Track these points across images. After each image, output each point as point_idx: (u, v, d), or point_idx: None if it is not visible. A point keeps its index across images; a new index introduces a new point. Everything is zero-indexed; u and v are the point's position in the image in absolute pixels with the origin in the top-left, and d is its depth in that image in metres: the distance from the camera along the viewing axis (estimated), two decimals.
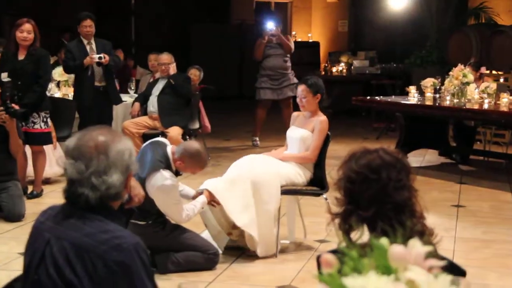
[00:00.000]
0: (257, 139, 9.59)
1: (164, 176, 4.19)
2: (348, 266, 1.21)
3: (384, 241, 1.24)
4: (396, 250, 1.23)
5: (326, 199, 4.88)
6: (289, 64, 9.40)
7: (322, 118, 4.97)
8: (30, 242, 2.07)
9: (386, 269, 1.22)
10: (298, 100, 5.01)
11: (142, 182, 4.16)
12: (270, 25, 9.36)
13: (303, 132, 4.99)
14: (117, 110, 7.73)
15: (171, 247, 4.41)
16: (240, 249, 4.84)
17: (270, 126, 10.13)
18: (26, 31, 6.15)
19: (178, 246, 4.41)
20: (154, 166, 4.22)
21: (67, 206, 2.05)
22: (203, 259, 4.43)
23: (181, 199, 4.37)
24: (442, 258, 1.63)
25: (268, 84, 9.27)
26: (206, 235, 4.80)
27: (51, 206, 2.12)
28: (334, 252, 1.51)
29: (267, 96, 9.36)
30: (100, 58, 6.93)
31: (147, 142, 4.54)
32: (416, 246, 1.26)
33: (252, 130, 9.74)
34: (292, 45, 9.41)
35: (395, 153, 2.00)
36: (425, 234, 1.62)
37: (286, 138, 5.16)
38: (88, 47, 7.11)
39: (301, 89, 4.99)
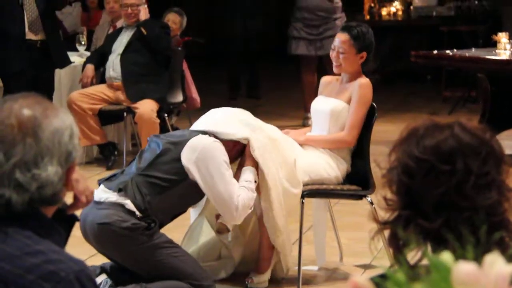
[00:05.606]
0: (310, 115, 9.50)
1: (207, 137, 4.60)
2: None
3: (446, 256, 1.22)
4: (465, 269, 1.23)
5: (371, 203, 4.91)
6: (336, 4, 9.31)
7: (363, 80, 5.02)
8: None
9: None
10: (333, 55, 5.07)
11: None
12: None
13: (336, 103, 5.04)
14: (61, 76, 7.75)
15: (148, 265, 4.44)
16: (241, 281, 4.89)
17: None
18: None
19: (157, 267, 4.44)
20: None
21: None
22: None
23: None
24: None
25: (303, 33, 9.24)
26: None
27: None
28: (381, 277, 1.50)
29: (301, 50, 9.31)
30: None
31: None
32: (497, 263, 1.25)
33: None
34: None
35: (479, 131, 1.97)
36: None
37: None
38: None
39: (342, 39, 5.05)
